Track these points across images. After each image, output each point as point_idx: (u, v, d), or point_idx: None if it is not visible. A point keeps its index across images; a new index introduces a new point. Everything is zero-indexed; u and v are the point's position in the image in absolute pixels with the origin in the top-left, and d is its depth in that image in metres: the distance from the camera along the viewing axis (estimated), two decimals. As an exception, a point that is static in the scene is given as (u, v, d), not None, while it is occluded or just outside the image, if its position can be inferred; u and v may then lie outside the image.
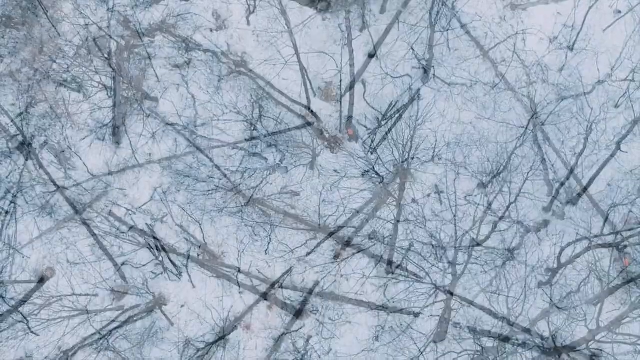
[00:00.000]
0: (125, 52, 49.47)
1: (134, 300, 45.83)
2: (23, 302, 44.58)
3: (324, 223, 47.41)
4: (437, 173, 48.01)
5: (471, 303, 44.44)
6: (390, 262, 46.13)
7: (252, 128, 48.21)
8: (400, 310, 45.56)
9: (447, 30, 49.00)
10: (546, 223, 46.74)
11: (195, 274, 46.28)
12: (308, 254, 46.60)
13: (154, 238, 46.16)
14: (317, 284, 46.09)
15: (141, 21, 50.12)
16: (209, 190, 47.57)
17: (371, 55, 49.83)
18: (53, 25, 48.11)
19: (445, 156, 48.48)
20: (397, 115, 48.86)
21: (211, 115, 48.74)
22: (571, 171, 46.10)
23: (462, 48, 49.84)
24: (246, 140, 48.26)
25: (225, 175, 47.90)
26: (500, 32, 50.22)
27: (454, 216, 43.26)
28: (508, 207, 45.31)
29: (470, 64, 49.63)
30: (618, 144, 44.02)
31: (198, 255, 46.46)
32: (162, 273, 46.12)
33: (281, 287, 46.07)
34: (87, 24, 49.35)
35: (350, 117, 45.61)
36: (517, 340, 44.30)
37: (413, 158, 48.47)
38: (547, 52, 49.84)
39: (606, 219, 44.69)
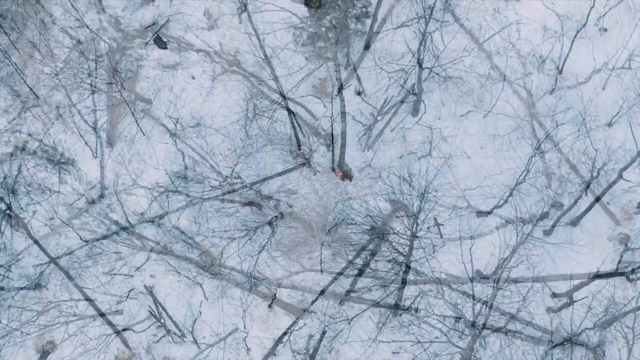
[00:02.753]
0: (117, 53, 49.22)
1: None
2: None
3: (323, 221, 47.19)
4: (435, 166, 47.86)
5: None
6: (396, 305, 44.77)
7: (236, 175, 47.53)
8: (404, 308, 45.10)
9: (441, 22, 48.78)
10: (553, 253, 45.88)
11: (199, 335, 45.18)
12: (313, 302, 45.62)
13: (154, 299, 44.94)
14: (324, 333, 45.21)
15: (132, 22, 49.97)
16: (206, 191, 47.21)
17: (358, 93, 49.47)
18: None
19: (442, 151, 48.26)
20: (392, 111, 48.62)
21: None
22: (574, 203, 45.65)
23: (457, 40, 49.50)
24: (237, 188, 47.44)
25: (224, 177, 47.74)
26: (495, 23, 49.97)
27: (471, 281, 42.09)
28: (514, 250, 43.61)
29: (465, 56, 49.26)
30: (620, 172, 43.37)
31: (200, 254, 46.06)
32: (164, 336, 44.87)
33: (289, 344, 45.17)
34: (79, 26, 49.15)
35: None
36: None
37: (410, 153, 48.39)
38: (542, 41, 49.60)
39: (621, 259, 43.61)
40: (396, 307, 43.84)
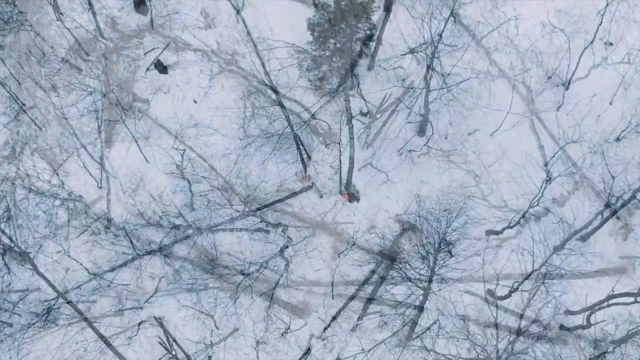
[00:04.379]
0: (114, 54, 49.05)
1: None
2: None
3: (322, 219, 47.07)
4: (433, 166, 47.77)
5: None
6: (415, 325, 44.40)
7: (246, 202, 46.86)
8: (403, 304, 44.96)
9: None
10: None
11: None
12: (325, 329, 45.51)
13: (164, 330, 44.69)
14: None
15: (129, 22, 49.75)
16: (205, 191, 47.05)
17: (363, 114, 49.26)
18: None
19: (441, 148, 48.22)
20: (391, 108, 48.48)
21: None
22: (588, 224, 45.51)
23: (455, 37, 49.29)
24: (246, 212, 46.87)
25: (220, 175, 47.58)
26: (493, 19, 49.76)
27: (496, 327, 42.40)
28: (527, 276, 43.59)
29: (463, 52, 49.03)
30: (634, 192, 43.17)
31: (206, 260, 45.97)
32: None
33: None
34: (76, 27, 48.98)
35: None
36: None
37: (410, 151, 48.27)
38: (541, 36, 49.42)
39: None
40: (419, 309, 43.43)
